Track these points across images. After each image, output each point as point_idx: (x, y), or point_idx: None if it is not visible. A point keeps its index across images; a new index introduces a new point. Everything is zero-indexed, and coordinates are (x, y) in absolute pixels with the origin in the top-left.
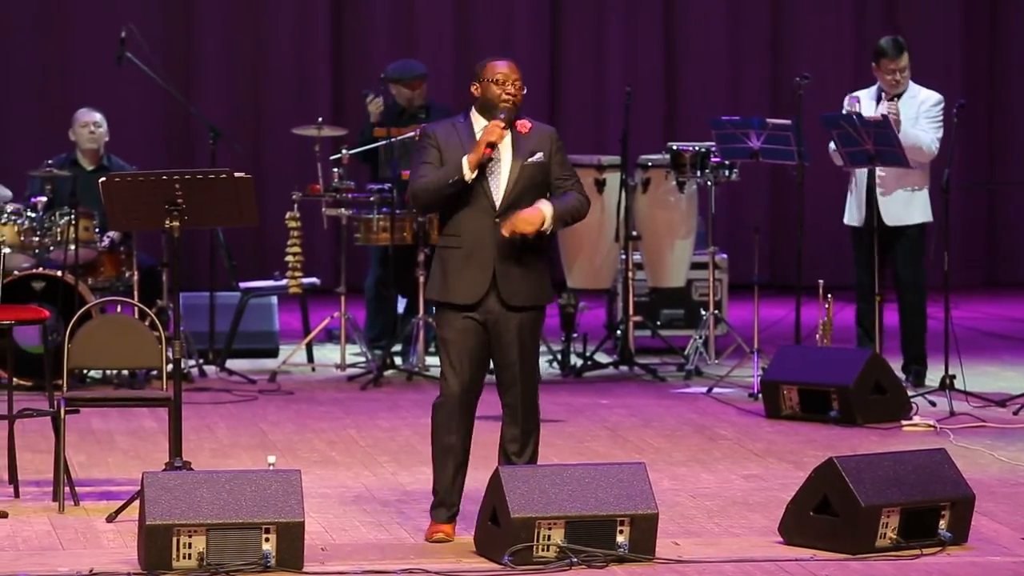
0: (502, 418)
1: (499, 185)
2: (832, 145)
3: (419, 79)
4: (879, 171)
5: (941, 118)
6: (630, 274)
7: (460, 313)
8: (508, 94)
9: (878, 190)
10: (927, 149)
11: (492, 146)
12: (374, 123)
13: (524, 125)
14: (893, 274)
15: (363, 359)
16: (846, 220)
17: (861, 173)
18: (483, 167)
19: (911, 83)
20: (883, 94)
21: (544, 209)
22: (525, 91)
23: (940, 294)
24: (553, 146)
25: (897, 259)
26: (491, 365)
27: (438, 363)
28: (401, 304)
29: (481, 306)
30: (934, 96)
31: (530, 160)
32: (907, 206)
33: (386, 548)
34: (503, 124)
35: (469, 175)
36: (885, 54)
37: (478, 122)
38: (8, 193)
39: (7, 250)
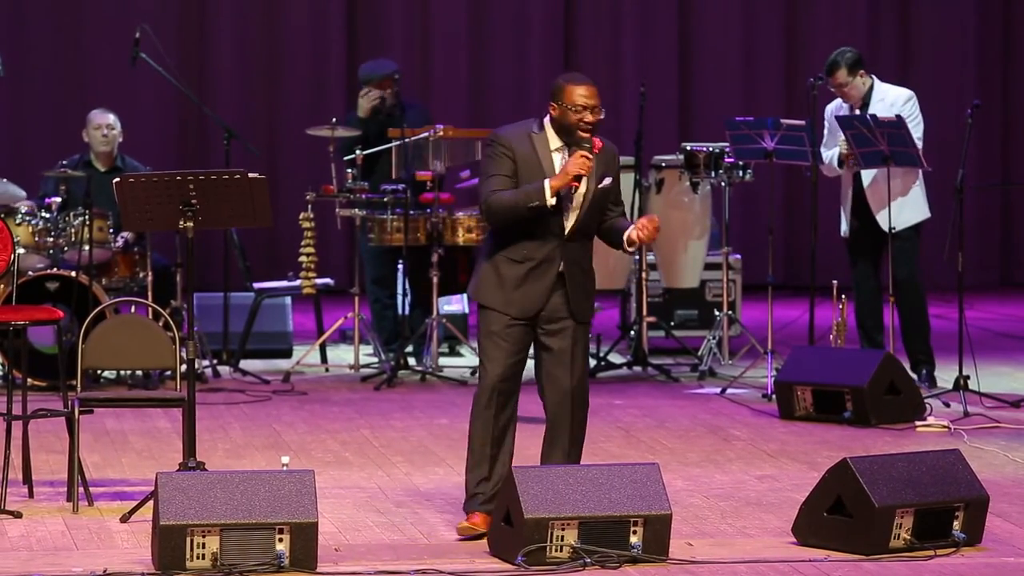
0: (547, 429)
1: (570, 207)
2: (825, 156)
3: (387, 78)
4: (865, 179)
5: (916, 114)
6: (644, 275)
7: (513, 319)
8: (587, 123)
9: (868, 197)
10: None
11: (579, 179)
12: (363, 117)
13: (596, 144)
14: (890, 276)
15: (377, 359)
16: (841, 231)
17: (848, 183)
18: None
19: (878, 83)
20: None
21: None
22: (603, 115)
23: (954, 294)
24: (616, 168)
25: (893, 261)
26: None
27: (453, 364)
28: (400, 302)
29: (535, 317)
30: (904, 94)
31: (601, 185)
32: (898, 210)
33: (399, 548)
34: (591, 157)
35: (551, 202)
36: (825, 72)
37: (552, 140)
38: (22, 193)
39: (21, 250)
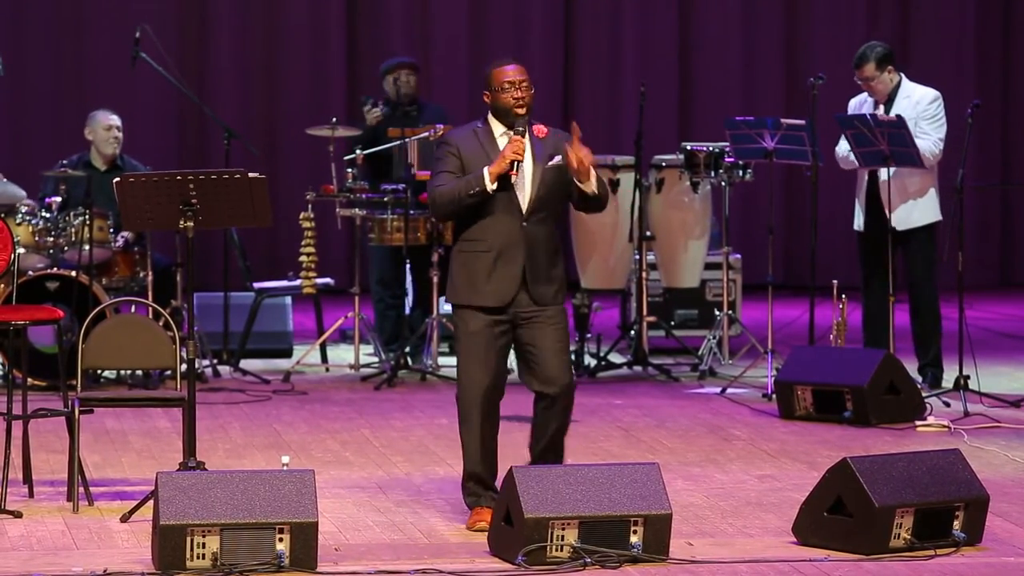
0: (535, 413)
1: (524, 189)
2: (839, 149)
3: (403, 65)
4: (883, 176)
5: (940, 115)
6: (644, 274)
7: (487, 314)
8: (517, 98)
9: (883, 195)
10: (930, 154)
11: (516, 164)
12: (371, 125)
13: (540, 130)
14: (905, 277)
15: (377, 359)
16: (855, 226)
17: (864, 180)
18: (504, 176)
19: (905, 81)
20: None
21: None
22: (534, 91)
23: (954, 294)
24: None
25: (908, 261)
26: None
27: (452, 363)
28: (408, 303)
29: (510, 307)
30: (930, 94)
31: (550, 164)
32: (914, 209)
33: (399, 548)
34: (522, 140)
35: (491, 187)
36: (854, 64)
37: (496, 127)
38: (22, 193)
39: (22, 250)
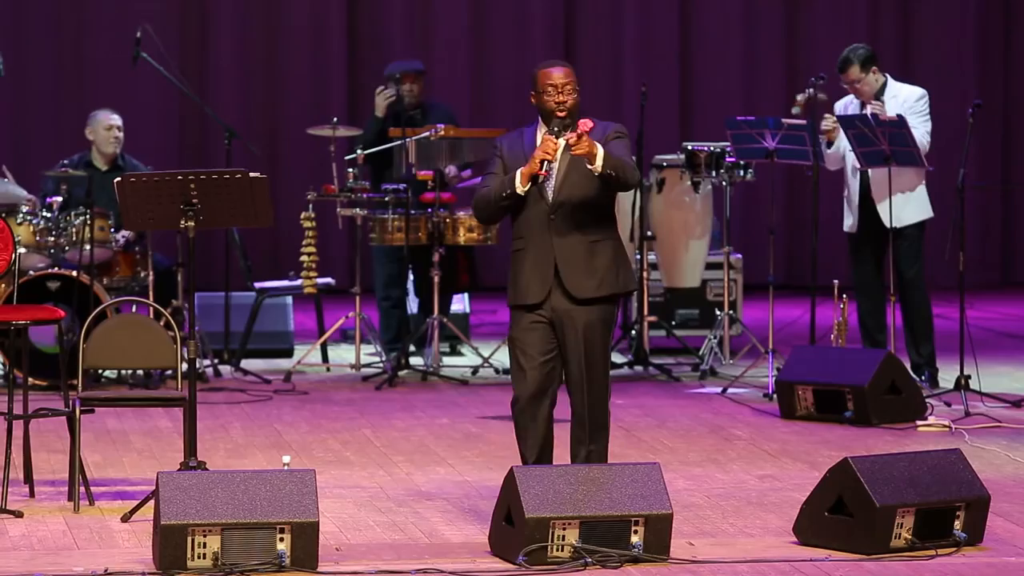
0: (571, 419)
1: (551, 181)
2: (827, 149)
3: (410, 73)
4: (872, 176)
5: (926, 112)
6: (645, 274)
7: (529, 313)
8: (559, 102)
9: (874, 195)
10: (918, 146)
11: (545, 163)
12: (380, 116)
13: (585, 124)
14: (895, 274)
15: (378, 359)
16: (844, 227)
17: (853, 180)
18: (537, 176)
19: (891, 81)
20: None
21: (599, 145)
22: (578, 94)
23: (955, 294)
24: (609, 135)
25: (899, 259)
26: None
27: (453, 364)
28: (412, 304)
29: (547, 303)
30: (916, 92)
31: (575, 151)
32: (904, 207)
33: (400, 548)
34: (555, 138)
35: (522, 188)
36: (838, 69)
37: (542, 130)
38: (24, 193)
39: (23, 250)
